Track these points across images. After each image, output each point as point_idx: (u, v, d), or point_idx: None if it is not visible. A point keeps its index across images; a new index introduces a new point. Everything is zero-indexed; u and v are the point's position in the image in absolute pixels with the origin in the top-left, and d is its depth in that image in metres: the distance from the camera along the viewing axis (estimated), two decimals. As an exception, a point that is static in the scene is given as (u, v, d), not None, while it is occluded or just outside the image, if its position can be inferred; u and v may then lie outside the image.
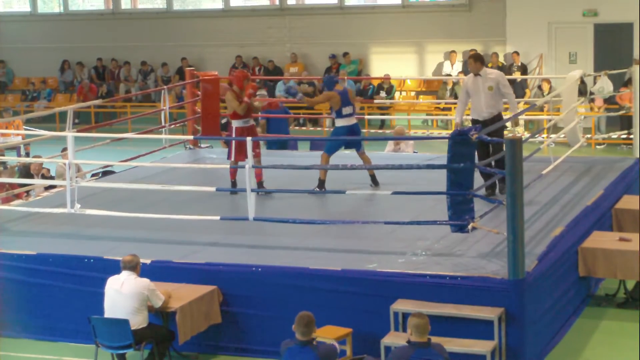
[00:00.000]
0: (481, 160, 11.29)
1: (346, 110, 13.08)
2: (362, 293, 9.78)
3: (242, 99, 13.06)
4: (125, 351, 9.61)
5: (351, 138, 13.08)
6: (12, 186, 14.17)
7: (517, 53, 24.44)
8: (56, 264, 10.74)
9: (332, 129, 14.17)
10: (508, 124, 21.58)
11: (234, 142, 13.00)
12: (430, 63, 26.10)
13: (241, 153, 12.89)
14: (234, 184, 13.20)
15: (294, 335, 8.27)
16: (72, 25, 29.81)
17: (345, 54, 26.29)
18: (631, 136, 15.96)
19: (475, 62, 12.36)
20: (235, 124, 13.16)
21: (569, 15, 24.31)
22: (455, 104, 23.59)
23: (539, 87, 23.50)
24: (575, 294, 11.01)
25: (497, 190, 12.09)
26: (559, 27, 24.53)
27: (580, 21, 24.28)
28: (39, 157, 15.84)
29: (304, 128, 24.50)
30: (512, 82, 23.76)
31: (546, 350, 9.99)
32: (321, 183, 13.09)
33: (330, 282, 9.88)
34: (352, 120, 13.16)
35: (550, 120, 15.06)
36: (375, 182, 13.34)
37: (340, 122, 13.15)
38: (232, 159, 13.10)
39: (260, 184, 13.14)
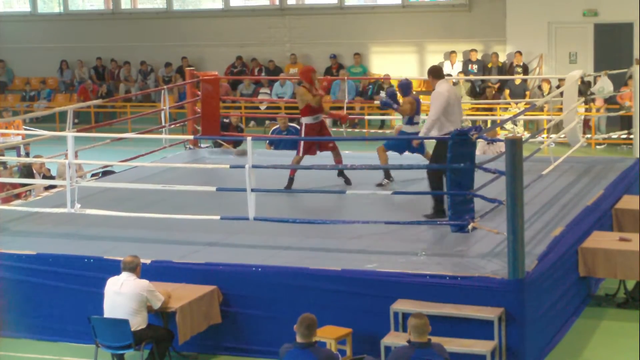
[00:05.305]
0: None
1: (417, 118, 13.18)
2: (362, 293, 9.77)
3: (316, 91, 12.98)
4: (125, 351, 9.61)
5: (405, 137, 13.05)
6: (13, 186, 14.16)
7: (520, 53, 24.41)
8: (56, 264, 10.73)
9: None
10: (508, 124, 21.78)
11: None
12: (430, 63, 25.88)
13: (310, 149, 12.98)
14: (292, 180, 13.13)
15: (295, 336, 8.24)
16: (72, 25, 29.80)
17: (356, 54, 26.23)
18: (631, 136, 15.96)
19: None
20: (305, 120, 13.08)
21: (569, 15, 24.30)
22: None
23: (539, 87, 23.48)
24: (575, 294, 11.01)
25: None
26: (559, 27, 24.51)
27: (580, 21, 24.27)
28: (40, 156, 15.83)
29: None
30: (512, 82, 23.82)
31: (546, 350, 9.98)
32: (387, 175, 13.36)
33: (330, 282, 9.88)
34: (418, 128, 13.18)
35: (550, 121, 15.04)
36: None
37: (409, 129, 13.21)
38: (301, 154, 13.05)
39: (341, 171, 13.34)
